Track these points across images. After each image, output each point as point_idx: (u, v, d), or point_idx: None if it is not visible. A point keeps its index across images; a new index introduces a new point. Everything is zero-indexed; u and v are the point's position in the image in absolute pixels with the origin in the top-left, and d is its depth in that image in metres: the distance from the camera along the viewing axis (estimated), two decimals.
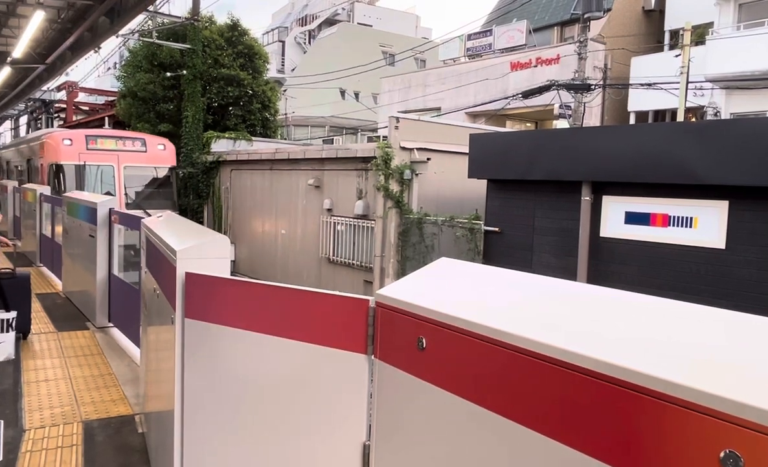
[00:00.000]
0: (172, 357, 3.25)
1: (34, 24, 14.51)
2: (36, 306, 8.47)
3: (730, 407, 1.23)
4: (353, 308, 2.36)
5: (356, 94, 37.58)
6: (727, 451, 1.22)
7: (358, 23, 48.08)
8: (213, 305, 3.04)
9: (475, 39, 28.27)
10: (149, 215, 12.34)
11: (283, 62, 49.79)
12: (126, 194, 15.65)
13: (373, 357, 2.28)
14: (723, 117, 19.65)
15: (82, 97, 32.92)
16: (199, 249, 3.27)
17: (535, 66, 24.04)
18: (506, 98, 20.70)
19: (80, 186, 14.83)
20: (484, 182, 10.77)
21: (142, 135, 17.07)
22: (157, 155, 16.44)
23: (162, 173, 16.59)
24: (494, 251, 10.49)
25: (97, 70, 28.71)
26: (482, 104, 24.18)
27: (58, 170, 15.13)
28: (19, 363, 6.34)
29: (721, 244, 7.44)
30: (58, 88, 29.92)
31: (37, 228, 12.84)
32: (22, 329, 7.04)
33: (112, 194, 14.92)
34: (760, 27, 19.77)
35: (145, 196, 16.06)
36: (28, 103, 32.26)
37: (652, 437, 1.36)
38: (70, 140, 15.38)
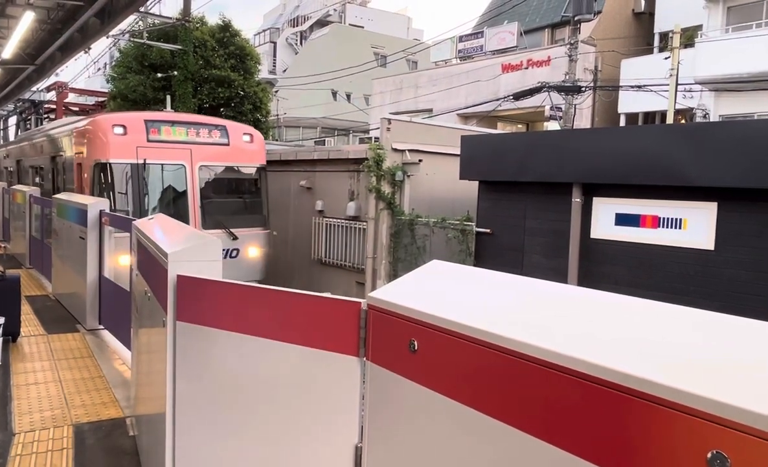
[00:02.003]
0: (164, 360, 3.25)
1: (23, 25, 14.40)
2: (25, 309, 8.41)
3: (717, 408, 1.24)
4: (345, 310, 2.37)
5: (348, 96, 37.60)
6: (714, 452, 1.24)
7: (350, 24, 48.09)
8: (204, 307, 3.04)
9: (466, 41, 28.37)
10: (234, 238, 10.92)
11: (274, 63, 49.72)
12: (202, 206, 10.80)
13: (365, 359, 2.28)
14: (712, 119, 19.83)
15: (72, 97, 32.70)
16: (190, 252, 3.27)
17: (526, 68, 24.14)
18: (497, 100, 20.77)
19: (139, 197, 10.27)
20: (476, 183, 10.80)
21: (221, 121, 12.03)
22: (242, 149, 11.52)
23: (249, 175, 11.85)
24: (486, 252, 10.52)
25: (87, 71, 28.53)
26: (473, 106, 24.25)
27: (105, 171, 10.18)
28: (8, 367, 6.29)
29: (710, 245, 7.50)
30: (48, 89, 29.69)
31: (26, 230, 12.74)
32: (12, 332, 6.99)
33: (177, 213, 10.26)
34: (749, 29, 19.96)
35: (228, 210, 11.48)
36: (18, 104, 32.02)
37: (640, 438, 1.37)
38: (123, 126, 10.31)
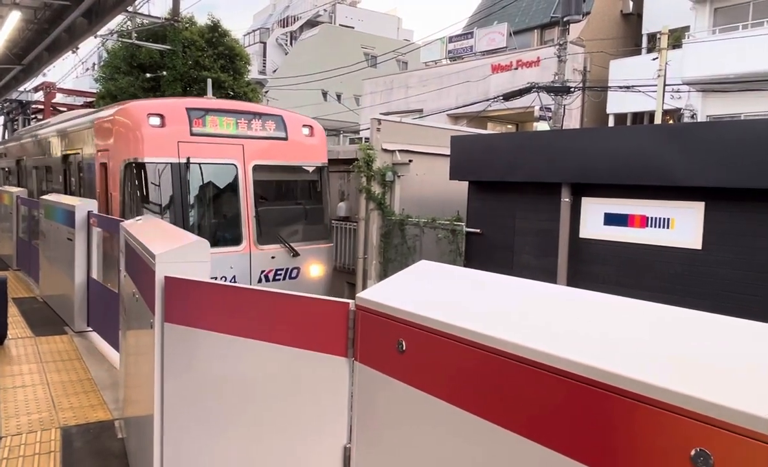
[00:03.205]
0: (152, 361, 3.23)
1: (9, 24, 14.28)
2: (12, 311, 8.33)
3: (700, 406, 1.26)
4: (334, 311, 2.37)
5: (338, 96, 37.56)
6: (698, 450, 1.25)
7: (340, 25, 48.03)
8: (192, 309, 3.03)
9: (456, 41, 28.43)
10: (295, 254, 8.95)
11: (264, 64, 49.58)
12: (257, 216, 8.81)
13: (353, 360, 2.29)
14: (699, 119, 19.99)
15: (60, 98, 32.46)
16: (178, 253, 3.25)
17: (516, 68, 24.23)
18: (487, 100, 20.82)
19: (181, 206, 8.24)
20: (466, 183, 10.83)
21: (277, 110, 9.86)
22: (302, 144, 9.45)
23: (309, 177, 9.82)
24: (476, 252, 10.54)
25: (75, 71, 28.33)
26: (464, 106, 24.32)
27: (139, 173, 8.12)
28: None
29: (697, 245, 7.56)
30: (36, 89, 29.44)
31: (13, 231, 12.63)
32: (3, 335, 6.95)
33: (226, 223, 8.74)
34: (735, 31, 20.15)
35: (287, 220, 9.48)
36: (5, 104, 31.71)
37: (625, 436, 1.38)
38: (161, 116, 8.14)
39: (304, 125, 9.60)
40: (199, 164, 8.36)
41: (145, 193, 8.15)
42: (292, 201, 9.89)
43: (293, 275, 9.18)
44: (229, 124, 8.68)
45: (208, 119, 8.52)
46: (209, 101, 9.27)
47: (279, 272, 8.92)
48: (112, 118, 8.69)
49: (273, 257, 8.85)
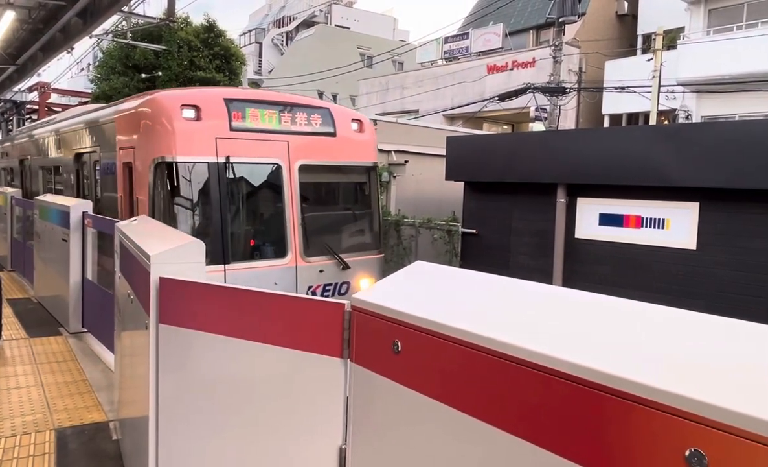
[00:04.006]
0: (147, 363, 3.22)
1: (4, 24, 14.23)
2: (7, 312, 8.30)
3: (694, 407, 1.26)
4: (329, 312, 2.37)
5: (334, 97, 37.53)
6: (692, 450, 1.26)
7: (336, 25, 48.05)
8: (187, 310, 3.02)
9: (452, 42, 28.47)
10: (346, 266, 7.79)
11: (260, 64, 49.55)
12: (303, 223, 7.59)
13: (349, 360, 2.29)
14: (694, 120, 20.07)
15: (54, 98, 32.35)
16: (173, 254, 3.25)
17: (512, 69, 24.28)
18: (483, 101, 20.86)
19: (220, 212, 7.04)
20: (462, 184, 10.84)
21: (323, 102, 9.10)
22: (351, 141, 8.27)
23: (359, 179, 8.61)
24: (471, 252, 10.55)
25: (70, 71, 28.25)
26: (459, 107, 24.35)
27: (171, 174, 6.97)
28: None
29: (692, 245, 7.58)
30: (30, 89, 29.35)
31: (8, 232, 12.58)
32: None
33: (268, 232, 7.61)
34: (730, 32, 20.24)
35: (336, 228, 8.39)
36: None
37: (619, 436, 1.38)
38: (196, 108, 7.03)
39: (353, 119, 8.46)
40: (240, 163, 7.22)
41: (177, 197, 7.07)
42: (340, 206, 8.75)
43: (343, 290, 8.19)
44: (271, 117, 7.53)
45: (249, 112, 7.36)
46: (249, 91, 8.06)
47: (327, 288, 7.98)
48: (139, 110, 7.40)
49: (321, 271, 7.81)
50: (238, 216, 7.45)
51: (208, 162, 6.96)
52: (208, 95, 7.40)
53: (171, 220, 6.83)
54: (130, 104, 7.91)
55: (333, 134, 8.04)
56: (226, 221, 7.07)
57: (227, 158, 7.04)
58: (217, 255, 6.70)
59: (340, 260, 7.90)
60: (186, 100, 7.01)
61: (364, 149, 8.42)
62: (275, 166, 7.48)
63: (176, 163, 6.87)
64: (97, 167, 9.09)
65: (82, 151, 9.92)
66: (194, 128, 6.94)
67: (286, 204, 7.51)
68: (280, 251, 7.49)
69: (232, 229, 7.21)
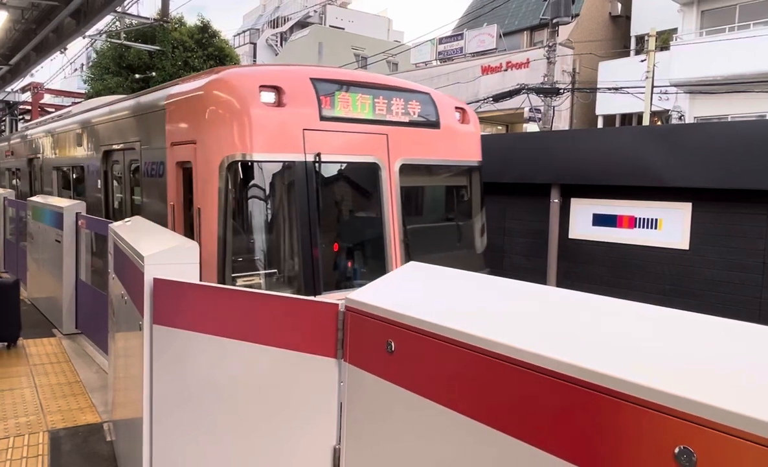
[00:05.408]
0: (140, 364, 3.22)
1: None
2: None
3: (684, 405, 1.28)
4: (323, 312, 2.37)
5: None
6: (682, 447, 1.27)
7: (330, 26, 48.01)
8: (181, 311, 3.02)
9: (446, 43, 28.50)
10: None
11: (254, 64, 49.43)
12: (405, 236, 6.06)
13: (342, 360, 2.29)
14: (687, 121, 20.17)
15: (48, 98, 32.22)
16: (167, 255, 3.24)
17: (506, 70, 24.34)
18: (477, 101, 20.88)
19: (308, 224, 5.36)
20: None
21: (421, 86, 6.82)
22: (456, 133, 6.73)
23: (461, 179, 7.09)
24: None
25: (63, 72, 28.11)
26: None
27: (246, 177, 5.27)
28: None
29: (684, 245, 7.63)
30: (23, 90, 29.22)
31: (0, 233, 12.52)
32: (14, 336, 7.11)
33: (361, 245, 6.07)
34: (722, 33, 20.35)
35: (440, 240, 6.91)
36: None
37: (610, 434, 1.40)
38: (277, 90, 5.28)
39: (456, 107, 6.89)
40: (333, 163, 5.72)
41: (257, 208, 5.53)
42: (443, 216, 7.19)
43: None
44: (364, 104, 5.93)
45: (338, 97, 5.74)
46: (337, 71, 6.47)
47: None
48: (201, 93, 5.54)
49: None
50: (331, 232, 5.90)
51: (294, 161, 5.34)
52: (291, 74, 5.71)
53: (248, 237, 5.37)
54: (187, 86, 5.99)
55: (436, 125, 6.49)
56: (317, 239, 5.45)
57: (318, 155, 5.42)
58: (308, 283, 5.18)
59: None
60: (266, 80, 5.36)
61: (468, 144, 6.90)
62: (372, 165, 5.90)
63: (256, 163, 5.22)
64: (135, 168, 7.18)
65: (113, 148, 7.88)
66: (276, 117, 5.29)
67: (386, 215, 5.95)
68: (378, 272, 5.50)
69: (324, 249, 5.66)
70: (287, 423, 2.51)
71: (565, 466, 1.48)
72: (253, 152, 5.13)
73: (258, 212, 5.53)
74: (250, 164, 5.17)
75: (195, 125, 5.60)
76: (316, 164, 5.38)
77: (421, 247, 6.21)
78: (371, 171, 5.87)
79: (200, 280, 3.83)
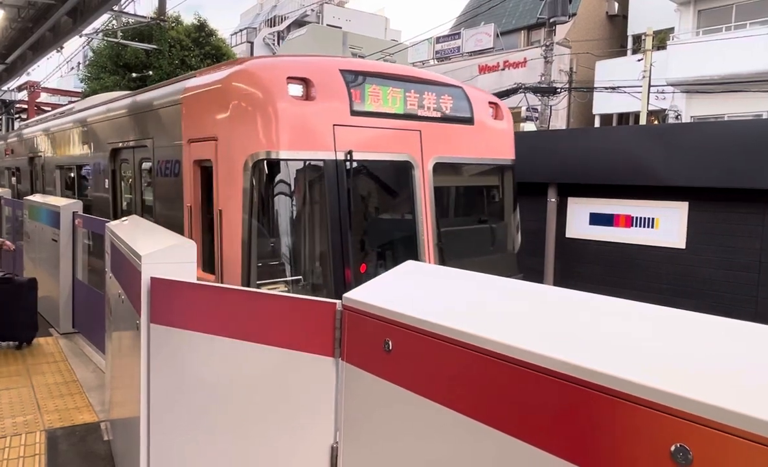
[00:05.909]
0: (138, 363, 3.21)
1: None
2: None
3: (680, 403, 1.28)
4: (320, 311, 2.37)
5: None
6: (678, 445, 1.28)
7: (328, 25, 47.97)
8: (179, 310, 3.02)
9: (443, 42, 28.52)
10: None
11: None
12: (439, 239, 5.67)
13: (340, 359, 2.29)
14: (684, 120, 20.21)
15: (44, 97, 32.13)
16: (164, 254, 3.24)
17: (503, 69, 24.35)
18: None
19: (339, 229, 4.97)
20: None
21: (455, 81, 6.48)
22: (490, 130, 6.42)
23: (494, 179, 6.80)
24: None
25: (59, 70, 28.05)
26: None
27: (272, 177, 4.87)
28: None
29: (681, 244, 7.65)
30: (19, 88, 29.15)
31: None
32: (28, 337, 7.12)
33: (391, 248, 5.69)
34: (719, 32, 20.40)
35: (472, 245, 6.59)
36: None
37: (607, 433, 1.40)
38: (306, 82, 4.89)
39: (489, 103, 6.54)
40: (365, 161, 5.29)
41: (284, 209, 5.10)
42: (476, 217, 6.81)
43: None
44: (395, 98, 5.54)
45: (368, 90, 5.35)
46: (366, 63, 6.17)
47: None
48: (223, 85, 5.13)
49: None
50: (363, 236, 5.52)
51: (325, 160, 4.96)
52: (320, 65, 5.32)
53: (274, 241, 5.03)
54: (207, 78, 5.55)
55: (470, 121, 6.16)
56: (348, 243, 5.10)
57: (349, 153, 5.04)
58: (338, 290, 4.72)
59: None
60: (293, 71, 4.96)
61: (502, 142, 6.56)
62: (405, 164, 5.55)
63: (283, 161, 4.82)
64: (146, 167, 6.75)
65: (122, 145, 7.42)
66: (305, 112, 4.90)
67: (419, 216, 5.61)
68: None
69: (356, 254, 5.32)
70: (285, 422, 2.52)
71: (563, 465, 1.49)
72: (280, 149, 4.75)
73: (285, 214, 5.11)
74: (277, 162, 4.79)
75: (216, 121, 5.18)
76: (348, 163, 5.02)
77: (455, 250, 5.93)
78: (403, 170, 5.53)
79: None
